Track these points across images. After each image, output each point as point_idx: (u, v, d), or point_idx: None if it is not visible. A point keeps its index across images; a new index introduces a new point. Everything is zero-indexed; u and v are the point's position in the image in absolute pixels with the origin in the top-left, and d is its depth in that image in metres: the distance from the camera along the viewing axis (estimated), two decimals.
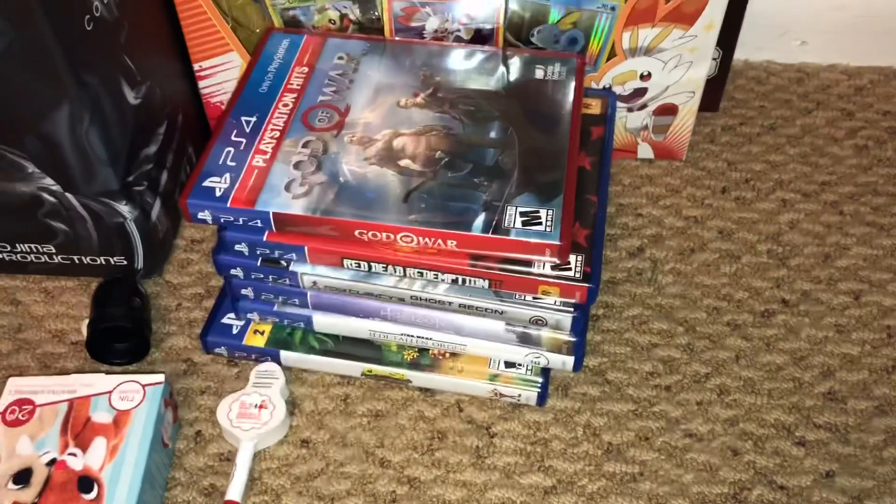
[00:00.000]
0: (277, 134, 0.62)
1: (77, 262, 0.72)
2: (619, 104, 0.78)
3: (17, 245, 0.71)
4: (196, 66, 0.77)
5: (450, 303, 0.61)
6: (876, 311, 0.71)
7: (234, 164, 0.60)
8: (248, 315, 0.67)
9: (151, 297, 0.73)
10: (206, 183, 0.58)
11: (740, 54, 0.92)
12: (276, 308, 0.65)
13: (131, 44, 0.67)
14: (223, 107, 0.80)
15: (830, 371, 0.68)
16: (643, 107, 0.78)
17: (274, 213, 0.57)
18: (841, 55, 0.92)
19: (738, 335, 0.70)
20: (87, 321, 0.67)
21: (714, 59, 0.81)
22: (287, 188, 0.58)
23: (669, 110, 0.78)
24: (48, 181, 0.65)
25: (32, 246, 0.71)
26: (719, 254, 0.75)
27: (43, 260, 0.72)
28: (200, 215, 0.58)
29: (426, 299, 0.61)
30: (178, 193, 0.76)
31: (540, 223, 0.56)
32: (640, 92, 0.77)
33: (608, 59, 0.74)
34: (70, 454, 0.58)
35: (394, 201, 0.58)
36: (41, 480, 0.57)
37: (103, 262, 0.72)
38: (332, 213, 0.57)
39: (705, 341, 0.69)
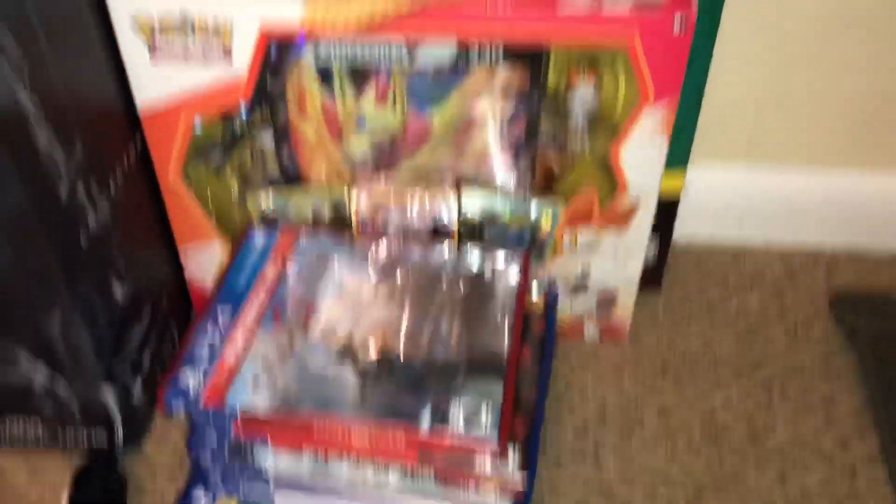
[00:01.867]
0: (249, 329, 0.69)
1: (59, 435, 0.77)
2: (562, 296, 0.85)
3: None
4: (181, 249, 0.84)
5: (400, 491, 0.66)
6: (798, 494, 0.76)
7: (207, 359, 0.66)
8: (216, 492, 0.72)
9: (128, 468, 0.78)
10: (180, 384, 0.64)
11: (680, 235, 1.00)
12: (241, 487, 0.71)
13: (122, 244, 0.74)
14: (205, 288, 0.87)
15: None
16: (586, 295, 0.86)
17: (241, 410, 0.63)
18: (774, 237, 1.01)
19: None
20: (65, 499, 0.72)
21: (651, 241, 0.89)
22: (254, 383, 0.65)
23: (611, 299, 0.86)
24: (41, 366, 0.71)
25: (16, 417, 0.76)
26: (657, 433, 0.81)
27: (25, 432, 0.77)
28: (176, 412, 0.64)
29: (378, 486, 0.67)
30: (160, 370, 0.82)
31: (481, 421, 0.63)
32: (583, 285, 0.85)
33: (552, 256, 0.82)
34: None
35: (351, 396, 0.64)
36: None
37: (84, 437, 0.77)
38: (294, 409, 0.63)
39: None
